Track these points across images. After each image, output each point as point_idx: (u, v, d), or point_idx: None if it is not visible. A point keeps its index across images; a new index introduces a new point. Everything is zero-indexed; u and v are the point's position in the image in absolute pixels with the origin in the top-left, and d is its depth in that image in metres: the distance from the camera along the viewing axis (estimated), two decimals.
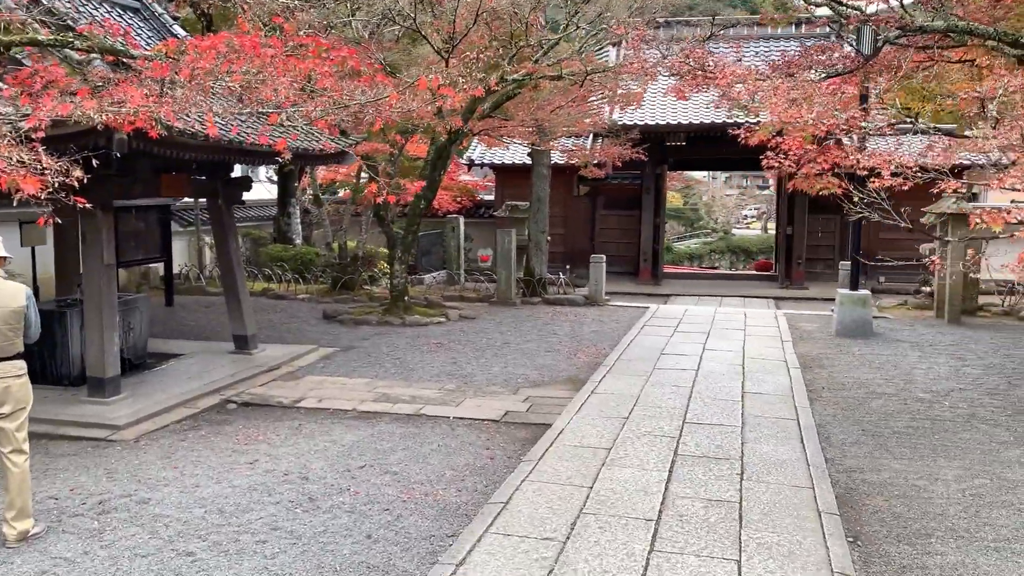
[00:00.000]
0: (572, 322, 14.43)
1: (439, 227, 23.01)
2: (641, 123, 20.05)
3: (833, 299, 21.18)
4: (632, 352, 11.67)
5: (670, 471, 6.74)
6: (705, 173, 68.27)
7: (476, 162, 23.86)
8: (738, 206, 68.13)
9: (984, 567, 5.15)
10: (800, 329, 13.77)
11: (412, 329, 13.55)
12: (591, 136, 20.52)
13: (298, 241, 21.38)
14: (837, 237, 23.47)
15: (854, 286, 13.16)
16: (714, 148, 21.73)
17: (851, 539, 5.56)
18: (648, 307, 16.35)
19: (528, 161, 21.26)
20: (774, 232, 55.75)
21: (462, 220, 20.19)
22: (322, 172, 24.52)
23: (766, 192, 79.28)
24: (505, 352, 11.79)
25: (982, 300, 15.36)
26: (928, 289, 16.52)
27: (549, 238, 17.29)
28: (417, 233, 14.64)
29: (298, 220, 21.92)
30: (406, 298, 14.62)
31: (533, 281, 16.91)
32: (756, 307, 18.54)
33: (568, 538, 5.48)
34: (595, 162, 17.83)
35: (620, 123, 19.61)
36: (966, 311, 14.58)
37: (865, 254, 23.78)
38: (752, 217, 68.84)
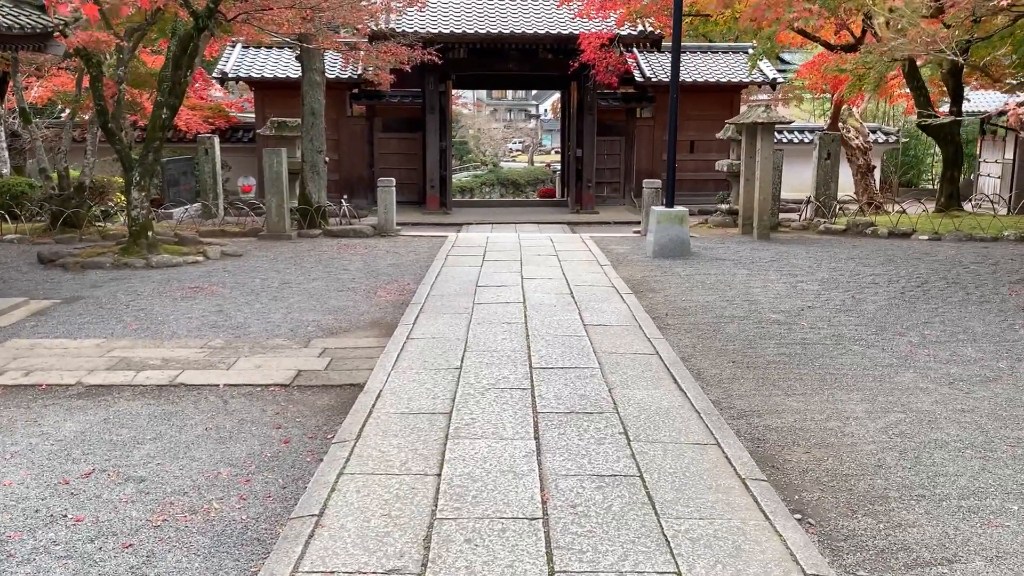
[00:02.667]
0: (364, 256, 12.30)
1: (189, 153, 19.62)
2: (423, 31, 17.84)
3: (625, 222, 20.70)
4: (443, 286, 9.83)
5: (536, 438, 5.04)
6: (472, 106, 67.17)
7: (230, 75, 20.49)
8: (505, 139, 68.11)
9: (980, 538, 3.95)
10: (613, 252, 12.64)
11: (161, 272, 10.77)
12: (368, 40, 18.05)
13: (4, 171, 17.17)
14: (622, 160, 22.97)
15: (670, 203, 12.15)
16: (503, 62, 20.10)
17: (797, 516, 4.17)
18: (446, 235, 14.56)
19: (293, 75, 18.43)
20: (542, 163, 56.31)
21: (217, 141, 17.05)
22: (37, 90, 19.98)
23: (531, 125, 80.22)
24: (286, 294, 9.49)
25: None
26: (726, 207, 16.13)
27: (327, 159, 14.83)
28: (160, 152, 11.68)
29: (3, 146, 17.63)
30: (150, 234, 11.70)
31: (311, 211, 14.46)
32: (554, 232, 17.39)
33: (425, 567, 3.60)
34: (372, 68, 15.40)
35: (398, 29, 17.29)
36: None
37: (648, 177, 23.58)
38: (518, 150, 69.19)
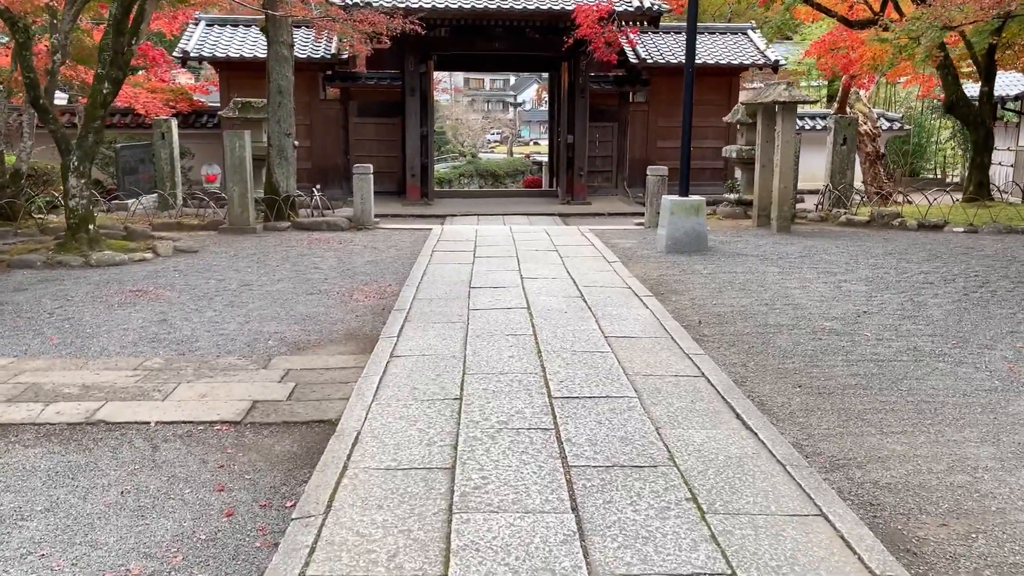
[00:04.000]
0: (338, 251, 10.84)
1: (148, 139, 17.97)
2: (402, 4, 16.32)
3: (620, 214, 19.33)
4: (431, 288, 8.42)
5: (574, 508, 3.67)
6: (451, 91, 65.66)
7: (192, 54, 18.87)
8: (483, 130, 66.80)
9: None
10: (619, 247, 11.28)
11: (100, 272, 9.26)
12: (342, 7, 16.46)
13: None
14: (614, 147, 21.61)
15: (684, 191, 10.79)
16: (488, 41, 18.65)
17: None
18: (430, 229, 13.12)
19: (261, 55, 16.86)
20: (520, 155, 54.83)
21: (175, 123, 15.44)
22: None
23: (509, 116, 78.76)
24: (245, 299, 8.03)
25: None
26: (734, 196, 14.83)
27: (296, 143, 13.31)
28: (101, 132, 10.12)
29: None
30: (91, 227, 10.16)
31: (279, 201, 12.96)
32: (547, 224, 16.01)
33: None
34: (348, 38, 13.86)
35: (375, 3, 15.78)
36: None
37: (641, 165, 22.24)
38: (496, 141, 67.80)
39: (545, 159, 47.10)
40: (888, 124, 22.40)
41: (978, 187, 14.99)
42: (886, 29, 10.43)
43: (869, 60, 16.00)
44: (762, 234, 12.16)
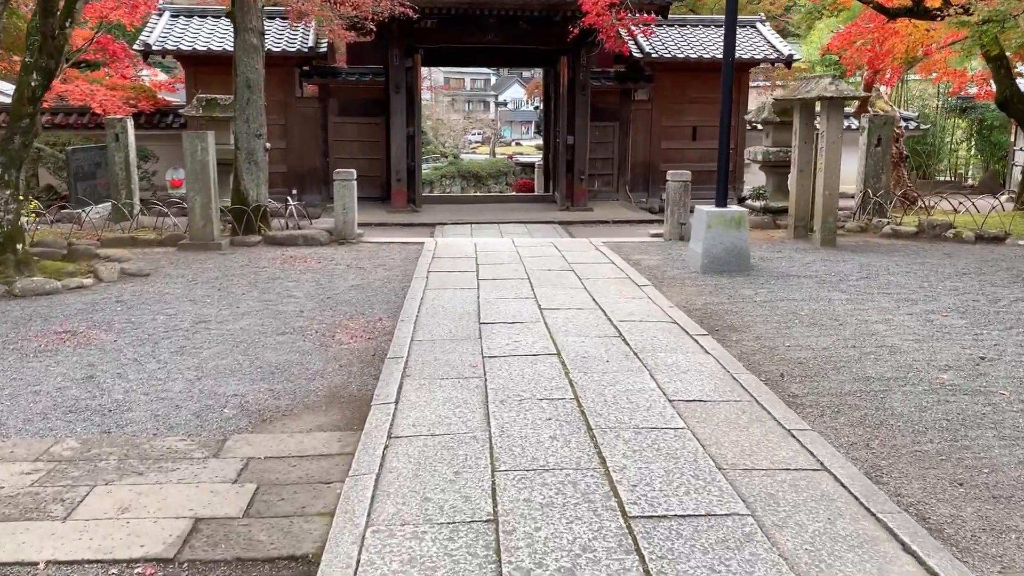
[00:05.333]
0: (317, 273, 9.22)
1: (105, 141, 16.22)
2: None
3: (627, 221, 17.74)
4: (432, 324, 6.83)
5: None
6: (430, 95, 63.93)
7: (155, 47, 17.13)
8: (465, 130, 65.41)
9: None
10: (644, 265, 9.75)
11: (24, 305, 7.58)
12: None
13: None
14: (615, 149, 20.11)
15: (722, 201, 9.27)
16: (480, 33, 17.06)
17: None
18: (421, 242, 11.53)
19: (231, 48, 15.18)
20: (503, 155, 53.19)
21: (131, 123, 13.70)
22: None
23: (491, 116, 77.21)
24: (200, 342, 6.40)
25: None
26: (760, 204, 13.35)
27: (268, 145, 11.65)
28: (30, 133, 8.42)
29: None
30: (20, 247, 8.47)
31: (248, 212, 11.30)
32: (550, 235, 14.48)
33: None
34: (327, 21, 12.18)
35: None
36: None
37: (644, 168, 20.75)
38: (478, 141, 66.34)
39: (529, 159, 45.69)
40: (904, 123, 21.07)
41: None
42: (967, 12, 9.06)
43: (901, 53, 14.60)
44: (804, 248, 10.66)
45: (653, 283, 8.59)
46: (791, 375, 5.57)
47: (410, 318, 7.00)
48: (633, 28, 18.87)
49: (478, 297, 7.87)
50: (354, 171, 11.79)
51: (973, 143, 23.73)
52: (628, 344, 6.23)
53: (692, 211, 9.94)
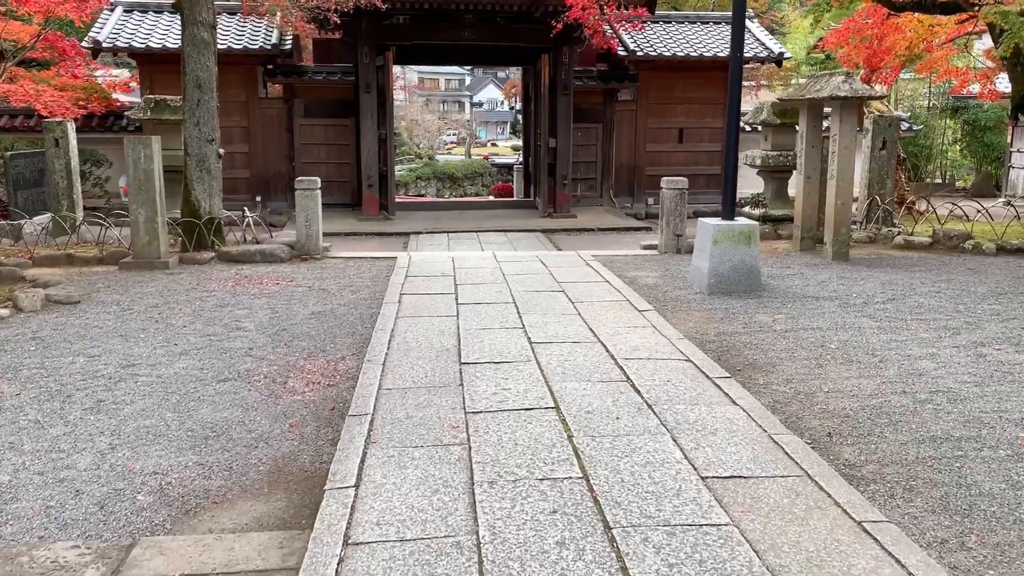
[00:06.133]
0: (273, 298, 8.11)
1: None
2: None
3: (612, 229, 16.70)
4: (404, 364, 5.77)
5: None
6: (404, 95, 62.68)
7: (105, 44, 15.89)
8: (440, 131, 64.45)
9: None
10: (642, 284, 8.76)
11: None
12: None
13: None
14: (599, 152, 19.11)
15: (729, 214, 8.29)
16: (456, 30, 16.00)
17: None
18: (394, 257, 10.46)
19: None
20: (478, 156, 52.11)
21: (71, 126, 12.45)
22: None
23: (466, 117, 76.11)
24: (123, 394, 5.29)
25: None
26: (759, 212, 12.43)
27: (222, 151, 10.50)
28: None
29: None
30: None
31: (199, 225, 10.15)
32: (534, 247, 13.48)
33: None
34: (289, 11, 11.06)
35: None
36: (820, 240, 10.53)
37: (629, 172, 19.79)
38: (453, 142, 65.35)
39: (506, 160, 44.68)
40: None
41: None
42: (999, 1, 8.23)
43: (902, 50, 13.76)
44: (815, 263, 9.72)
45: (655, 307, 7.60)
46: (840, 434, 4.59)
47: (378, 358, 5.94)
48: (617, 24, 17.94)
49: (458, 328, 6.82)
50: (318, 179, 10.68)
51: (965, 144, 23.04)
52: (639, 392, 5.22)
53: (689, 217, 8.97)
